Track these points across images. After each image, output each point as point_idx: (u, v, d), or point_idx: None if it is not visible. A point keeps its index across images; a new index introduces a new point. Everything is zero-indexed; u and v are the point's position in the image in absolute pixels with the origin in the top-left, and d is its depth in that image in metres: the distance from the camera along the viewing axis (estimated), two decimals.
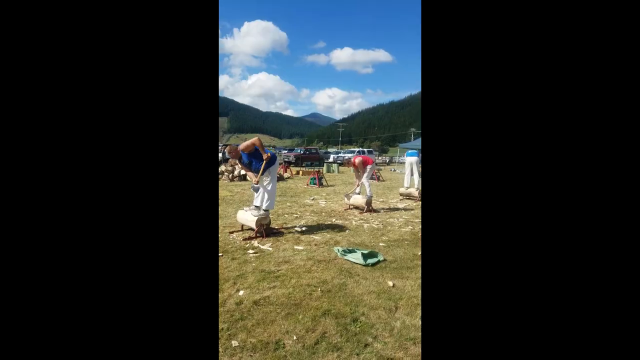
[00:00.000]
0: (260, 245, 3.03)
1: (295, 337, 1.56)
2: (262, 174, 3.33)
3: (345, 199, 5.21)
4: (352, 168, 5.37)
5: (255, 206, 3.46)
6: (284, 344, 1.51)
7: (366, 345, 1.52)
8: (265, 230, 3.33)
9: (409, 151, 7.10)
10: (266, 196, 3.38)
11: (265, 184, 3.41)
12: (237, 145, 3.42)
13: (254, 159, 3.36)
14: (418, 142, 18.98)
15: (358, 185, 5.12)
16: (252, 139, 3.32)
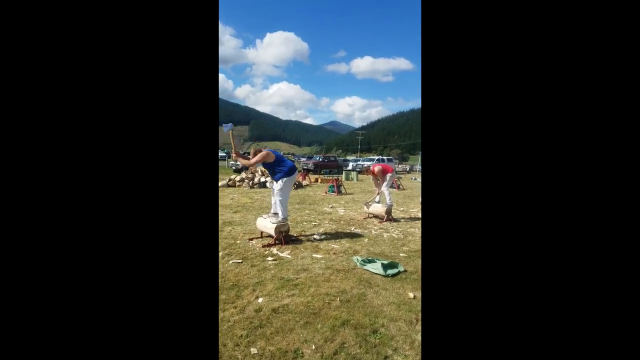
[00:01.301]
0: (279, 253, 3.05)
1: (314, 347, 1.55)
2: (279, 179, 3.39)
3: (365, 207, 5.16)
4: (371, 176, 5.32)
5: (274, 213, 3.51)
6: (302, 353, 1.51)
7: (386, 358, 1.48)
8: (284, 237, 3.36)
9: None
10: (279, 207, 3.40)
11: (277, 190, 3.43)
12: (262, 150, 3.46)
13: (274, 167, 3.42)
14: None
15: (378, 194, 5.06)
16: (260, 155, 3.35)
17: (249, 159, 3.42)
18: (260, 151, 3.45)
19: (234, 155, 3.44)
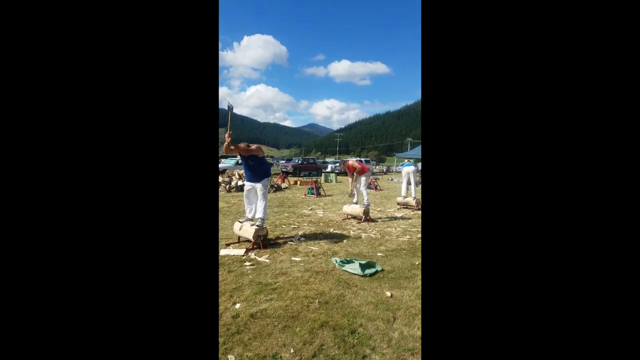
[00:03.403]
0: (257, 257, 3.01)
1: (292, 350, 1.54)
2: (262, 179, 3.40)
3: (345, 207, 5.22)
4: (347, 171, 5.40)
5: (248, 218, 3.47)
6: (281, 357, 1.49)
7: (364, 357, 1.51)
8: (262, 241, 3.31)
9: (405, 162, 7.20)
10: (260, 207, 3.39)
11: (261, 192, 3.41)
12: (248, 145, 3.39)
13: (259, 165, 3.39)
14: (414, 152, 19.08)
15: (352, 189, 5.15)
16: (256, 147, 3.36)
17: (255, 167, 3.38)
18: (249, 146, 3.39)
19: (227, 136, 3.02)
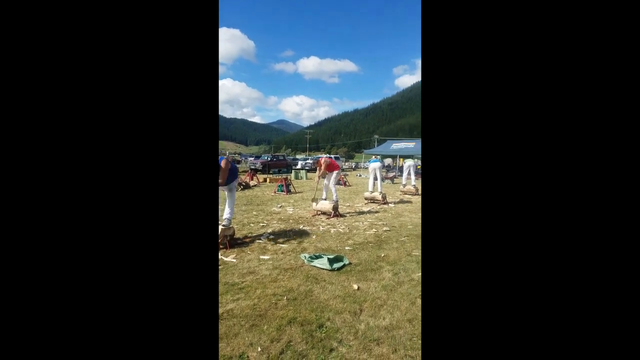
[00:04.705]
0: (223, 258, 2.92)
1: (259, 349, 1.53)
2: (230, 182, 3.34)
3: (314, 204, 5.25)
4: (317, 167, 5.55)
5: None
6: (248, 356, 1.47)
7: (331, 350, 1.54)
8: (229, 241, 3.22)
9: (372, 158, 7.48)
10: (227, 209, 3.32)
11: (229, 194, 3.36)
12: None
13: (231, 173, 3.35)
14: (380, 149, 19.71)
15: (317, 181, 5.27)
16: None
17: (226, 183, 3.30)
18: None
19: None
